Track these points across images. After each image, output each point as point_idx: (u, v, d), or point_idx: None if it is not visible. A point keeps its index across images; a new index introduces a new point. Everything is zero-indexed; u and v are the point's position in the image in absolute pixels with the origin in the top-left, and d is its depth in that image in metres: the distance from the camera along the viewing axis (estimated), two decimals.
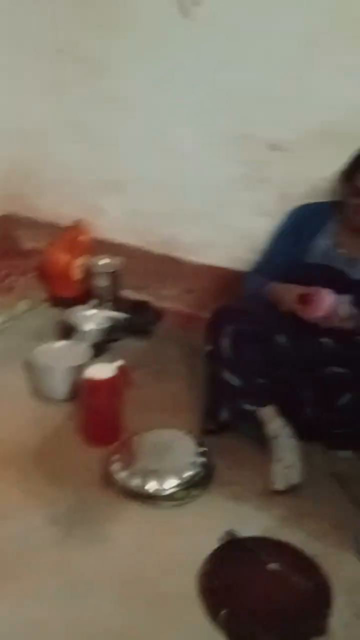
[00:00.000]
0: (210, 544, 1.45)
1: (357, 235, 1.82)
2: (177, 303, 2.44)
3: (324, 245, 1.85)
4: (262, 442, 1.72)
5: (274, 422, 1.73)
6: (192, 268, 2.37)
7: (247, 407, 1.74)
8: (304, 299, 1.69)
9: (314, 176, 2.00)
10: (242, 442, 1.78)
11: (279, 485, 1.64)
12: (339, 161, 1.81)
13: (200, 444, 1.73)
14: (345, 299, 1.71)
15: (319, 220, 1.88)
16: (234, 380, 1.72)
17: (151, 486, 1.58)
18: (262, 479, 1.66)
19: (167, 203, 2.36)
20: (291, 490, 1.63)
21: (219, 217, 2.27)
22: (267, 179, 2.12)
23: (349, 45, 1.87)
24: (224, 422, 1.79)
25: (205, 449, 1.72)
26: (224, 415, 1.78)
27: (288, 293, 1.75)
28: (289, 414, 1.73)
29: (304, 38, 1.91)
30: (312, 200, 1.95)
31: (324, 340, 1.76)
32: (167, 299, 2.45)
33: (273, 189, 2.11)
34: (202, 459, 1.68)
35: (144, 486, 1.58)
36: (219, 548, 1.44)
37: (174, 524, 1.52)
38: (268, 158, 2.09)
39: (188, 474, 1.62)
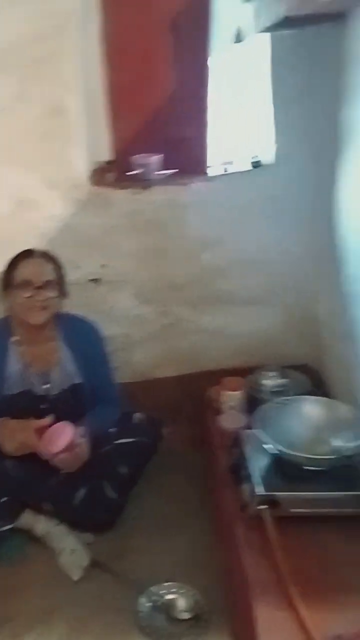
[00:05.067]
0: None
1: (39, 338, 1.86)
2: None
3: (15, 370, 1.85)
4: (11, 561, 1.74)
5: (37, 521, 1.78)
6: None
7: (1, 529, 1.74)
8: (42, 433, 1.69)
9: None
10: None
11: (75, 574, 1.68)
12: None
13: None
14: (80, 430, 1.74)
15: None
16: None
17: None
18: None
19: None
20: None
21: None
22: None
23: None
24: None
25: None
26: None
27: (19, 430, 1.73)
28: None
29: None
30: None
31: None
32: None
33: None
34: None
35: None
36: None
37: None
38: None
39: None
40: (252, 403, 1.94)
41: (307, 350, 2.27)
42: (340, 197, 1.89)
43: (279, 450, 1.60)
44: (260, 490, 1.54)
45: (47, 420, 1.71)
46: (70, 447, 1.69)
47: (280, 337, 2.29)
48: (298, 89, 2.00)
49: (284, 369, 2.12)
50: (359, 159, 1.74)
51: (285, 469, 1.61)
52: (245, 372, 2.11)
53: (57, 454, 1.68)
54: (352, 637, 0.83)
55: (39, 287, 1.79)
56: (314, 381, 2.13)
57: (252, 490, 1.55)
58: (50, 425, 1.71)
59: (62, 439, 1.68)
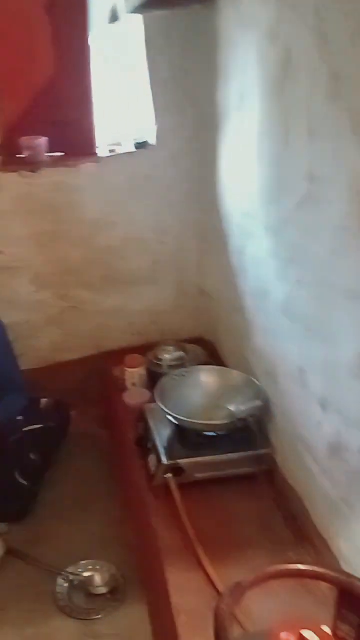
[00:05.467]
0: None
1: None
2: None
3: None
4: None
5: None
6: None
7: None
8: None
9: None
10: None
11: None
12: None
13: None
14: None
15: None
16: None
17: None
18: None
19: None
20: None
21: None
22: None
23: None
24: None
25: None
26: None
27: None
28: None
29: None
30: None
31: None
32: None
33: None
34: None
35: None
36: None
37: None
38: None
39: None
40: (154, 378, 2.01)
41: (201, 324, 2.37)
42: (221, 175, 1.98)
43: (179, 420, 1.68)
44: (165, 459, 1.62)
45: None
46: None
47: (175, 313, 2.37)
48: (173, 70, 2.04)
49: (181, 343, 2.21)
50: (234, 139, 1.83)
51: (187, 438, 1.70)
52: (145, 350, 2.18)
53: None
54: (249, 583, 0.92)
55: None
56: (209, 352, 2.24)
57: (158, 461, 1.63)
58: None
59: None
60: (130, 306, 2.33)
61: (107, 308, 2.31)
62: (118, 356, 2.17)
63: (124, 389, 2.09)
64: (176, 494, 1.58)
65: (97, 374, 2.28)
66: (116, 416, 2.08)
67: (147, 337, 2.32)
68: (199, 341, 2.31)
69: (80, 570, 1.69)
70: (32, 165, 2.05)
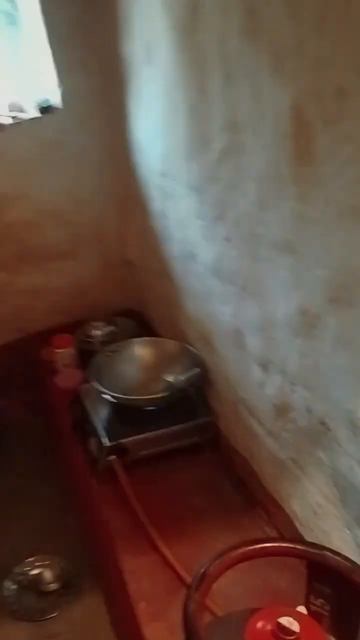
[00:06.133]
0: None
1: None
2: None
3: None
4: None
5: None
6: None
7: None
8: None
9: None
10: None
11: None
12: None
13: None
14: None
15: None
16: None
17: None
18: None
19: None
20: None
21: None
22: None
23: None
24: None
25: None
26: None
27: None
28: None
29: None
30: None
31: None
32: None
33: None
34: None
35: None
36: None
37: None
38: None
39: None
40: (85, 357, 1.92)
41: (128, 295, 2.27)
42: (135, 135, 1.86)
43: (117, 398, 1.60)
44: (106, 441, 1.53)
45: None
46: None
47: (100, 286, 2.26)
48: (72, 26, 1.88)
49: (110, 317, 2.11)
50: (146, 95, 1.72)
51: (126, 415, 1.62)
52: (73, 328, 2.06)
53: None
54: (215, 572, 0.85)
55: None
56: (140, 324, 2.15)
57: (99, 443, 1.55)
58: None
59: None
60: (51, 284, 2.19)
61: (26, 287, 2.16)
62: (44, 338, 2.05)
63: (54, 371, 1.98)
64: (122, 476, 1.51)
65: (23, 359, 2.14)
66: (49, 401, 1.97)
67: (73, 315, 2.19)
68: (128, 313, 2.21)
69: (27, 568, 1.60)
70: None
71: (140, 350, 1.79)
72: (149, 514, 1.42)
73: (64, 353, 1.95)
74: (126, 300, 2.27)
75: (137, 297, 2.25)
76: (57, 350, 1.95)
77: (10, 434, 2.05)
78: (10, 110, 2.05)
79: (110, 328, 2.02)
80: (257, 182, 1.18)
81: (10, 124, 1.98)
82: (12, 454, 1.99)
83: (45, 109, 2.00)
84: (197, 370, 1.63)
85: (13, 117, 2.02)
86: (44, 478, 1.90)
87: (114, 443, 1.54)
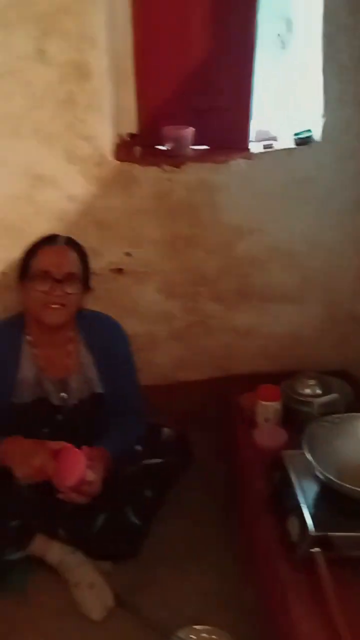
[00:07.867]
0: None
1: (56, 340, 1.61)
2: None
3: (29, 375, 1.59)
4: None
5: (50, 548, 1.56)
6: None
7: (11, 556, 1.52)
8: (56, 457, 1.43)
9: None
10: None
11: (95, 613, 1.49)
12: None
13: None
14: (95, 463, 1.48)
15: (8, 346, 1.60)
16: None
17: None
18: None
19: None
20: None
21: None
22: None
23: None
24: None
25: None
26: None
27: (33, 453, 1.43)
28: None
29: None
30: None
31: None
32: None
33: None
34: None
35: None
36: None
37: None
38: None
39: None
40: (291, 415, 1.72)
41: (348, 355, 2.03)
42: None
43: (331, 481, 1.37)
44: (312, 529, 1.31)
45: (63, 443, 1.45)
46: (80, 484, 1.43)
47: (318, 338, 2.05)
48: (355, 55, 1.71)
49: (322, 375, 1.88)
50: None
51: (340, 503, 1.38)
52: (277, 378, 1.86)
53: (68, 488, 1.43)
54: None
55: (58, 281, 1.52)
56: (356, 390, 1.89)
57: (303, 528, 1.33)
58: (62, 449, 1.45)
59: (74, 473, 1.42)
60: (266, 326, 2.03)
61: (239, 325, 2.03)
62: (244, 382, 1.89)
63: (252, 423, 1.80)
64: (324, 574, 1.27)
65: (219, 399, 2.00)
66: (240, 454, 1.80)
67: (280, 364, 2.01)
68: (342, 374, 1.97)
69: (193, 637, 1.43)
70: (174, 158, 1.80)
71: None
72: (349, 625, 1.17)
73: (269, 406, 1.76)
74: (343, 361, 2.03)
75: (356, 359, 2.00)
76: (263, 402, 1.77)
77: (192, 475, 1.91)
78: (259, 139, 1.94)
79: (334, 395, 1.77)
80: None
81: (262, 152, 1.86)
82: (190, 497, 1.85)
83: (302, 141, 1.85)
84: None
85: (265, 146, 1.90)
86: (220, 532, 1.75)
87: (321, 534, 1.31)
